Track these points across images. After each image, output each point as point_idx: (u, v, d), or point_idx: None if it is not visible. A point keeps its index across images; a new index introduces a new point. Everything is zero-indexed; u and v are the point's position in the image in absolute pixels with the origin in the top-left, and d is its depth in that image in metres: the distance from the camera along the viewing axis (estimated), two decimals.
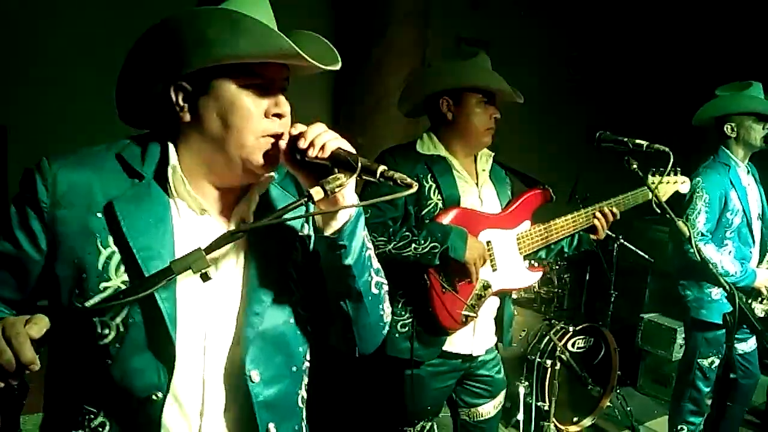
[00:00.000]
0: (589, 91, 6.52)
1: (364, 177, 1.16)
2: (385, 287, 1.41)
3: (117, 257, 1.20)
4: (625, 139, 2.38)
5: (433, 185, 2.37)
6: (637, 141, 2.35)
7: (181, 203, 1.27)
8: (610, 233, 3.94)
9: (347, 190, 1.19)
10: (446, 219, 2.33)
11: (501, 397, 2.69)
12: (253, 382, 1.29)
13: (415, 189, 1.13)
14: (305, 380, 1.46)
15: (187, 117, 1.23)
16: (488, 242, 2.43)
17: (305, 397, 1.47)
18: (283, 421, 1.37)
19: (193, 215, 1.28)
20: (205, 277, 1.10)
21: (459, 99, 2.41)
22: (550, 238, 2.57)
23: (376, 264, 1.36)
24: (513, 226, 2.52)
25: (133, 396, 1.22)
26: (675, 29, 6.66)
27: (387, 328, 1.44)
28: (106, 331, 1.20)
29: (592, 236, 2.68)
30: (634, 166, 2.34)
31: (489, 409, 2.63)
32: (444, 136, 2.47)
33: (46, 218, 1.20)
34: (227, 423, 1.32)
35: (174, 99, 1.23)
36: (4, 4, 3.84)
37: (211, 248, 1.10)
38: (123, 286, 1.19)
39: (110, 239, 1.20)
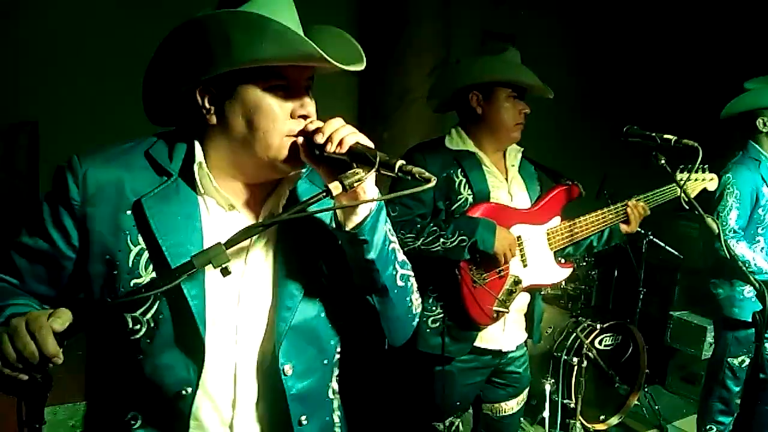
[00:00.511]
0: (616, 86, 6.44)
1: (382, 171, 1.16)
2: (412, 279, 1.40)
3: (146, 254, 1.22)
4: (653, 134, 2.34)
5: (463, 180, 2.36)
6: (666, 136, 2.30)
7: (210, 200, 1.28)
8: (639, 229, 3.90)
9: (367, 185, 1.18)
10: (476, 214, 2.32)
11: (525, 394, 2.67)
12: (286, 376, 1.31)
13: (433, 184, 1.12)
14: (336, 372, 1.48)
15: (214, 119, 1.25)
16: (518, 237, 2.42)
17: (336, 388, 1.49)
18: (314, 413, 1.39)
19: (222, 212, 1.29)
20: (225, 272, 1.10)
21: (489, 94, 2.40)
22: (580, 234, 2.54)
23: (401, 257, 1.36)
24: (543, 222, 2.50)
25: (164, 390, 1.25)
26: (701, 22, 6.54)
27: (417, 319, 1.44)
28: (137, 327, 1.22)
29: (623, 228, 2.66)
30: (662, 161, 2.30)
31: (512, 405, 2.62)
32: (473, 132, 2.47)
33: (78, 215, 1.23)
34: (259, 416, 1.34)
35: (200, 102, 1.24)
36: (36, 2, 3.89)
37: (231, 243, 1.11)
38: (157, 281, 1.21)
39: (139, 236, 1.22)
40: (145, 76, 1.28)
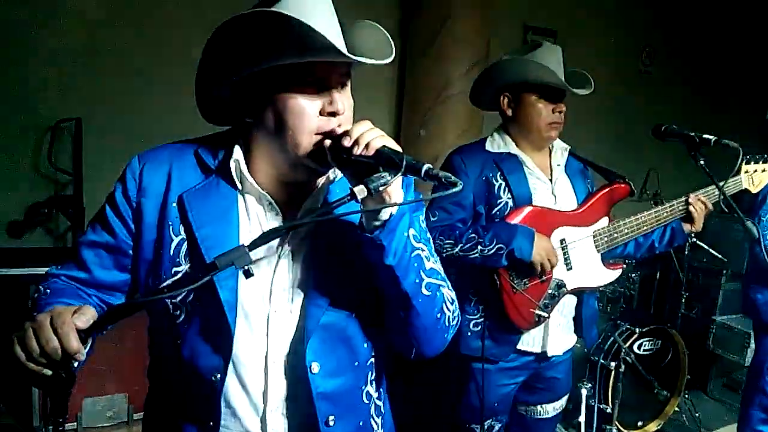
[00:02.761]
0: (662, 84, 6.30)
1: (408, 175, 1.16)
2: (444, 290, 1.37)
3: (185, 245, 1.30)
4: (692, 134, 2.28)
5: (503, 183, 2.33)
6: (705, 136, 2.25)
7: (249, 197, 1.32)
8: None
9: (393, 188, 1.17)
10: (517, 218, 2.28)
11: (563, 401, 2.63)
12: (313, 374, 1.32)
13: (459, 188, 1.10)
14: (372, 376, 1.46)
15: (251, 117, 1.28)
16: (562, 240, 2.37)
17: (372, 392, 1.47)
18: (345, 414, 1.38)
19: (261, 209, 1.33)
20: (247, 274, 1.12)
21: (517, 95, 2.37)
22: (630, 234, 2.47)
23: (429, 265, 1.33)
24: (589, 223, 2.44)
25: (199, 375, 1.31)
26: (751, 22, 6.37)
27: (450, 332, 1.41)
28: (178, 312, 1.30)
29: (687, 227, 2.56)
30: (702, 161, 2.24)
31: (548, 409, 2.59)
32: (511, 133, 2.44)
33: (134, 207, 1.34)
34: (288, 411, 1.35)
35: (238, 99, 1.29)
36: (78, 3, 3.97)
37: (255, 244, 1.12)
38: (190, 272, 1.29)
39: (181, 228, 1.31)
40: (196, 76, 1.33)
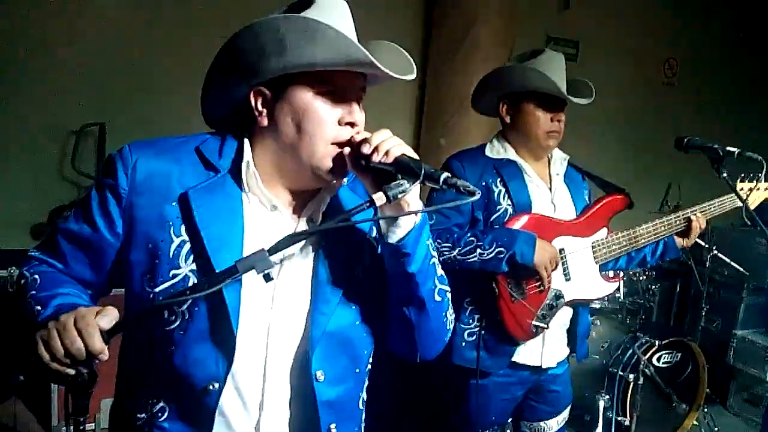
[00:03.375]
0: (685, 96, 6.26)
1: (427, 183, 1.16)
2: (449, 295, 1.39)
3: (188, 246, 1.25)
4: (715, 146, 2.26)
5: (503, 190, 2.29)
6: (728, 148, 2.23)
7: (254, 198, 1.30)
8: (701, 242, 3.76)
9: (411, 197, 1.18)
10: (517, 225, 2.25)
11: (566, 413, 2.59)
12: (317, 382, 1.31)
13: (477, 197, 1.11)
14: (366, 383, 1.48)
15: (265, 121, 1.27)
16: (561, 250, 2.33)
17: (365, 399, 1.48)
18: (344, 422, 1.38)
19: (265, 211, 1.31)
20: (267, 278, 1.12)
21: (516, 102, 2.35)
22: (628, 246, 2.45)
23: (440, 271, 1.35)
24: (588, 234, 2.41)
25: (192, 384, 1.26)
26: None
27: (449, 335, 1.43)
28: (172, 318, 1.24)
29: (679, 242, 2.55)
30: (724, 174, 2.22)
31: (552, 424, 2.54)
32: (511, 140, 2.41)
33: (125, 204, 1.27)
34: (287, 419, 1.34)
35: (253, 103, 1.27)
36: (102, 13, 4.03)
37: (274, 249, 1.12)
38: (191, 275, 1.24)
39: (182, 228, 1.25)
40: (206, 78, 1.32)
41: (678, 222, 2.51)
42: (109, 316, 1.10)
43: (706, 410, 4.21)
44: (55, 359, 1.08)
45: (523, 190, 2.32)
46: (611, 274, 2.53)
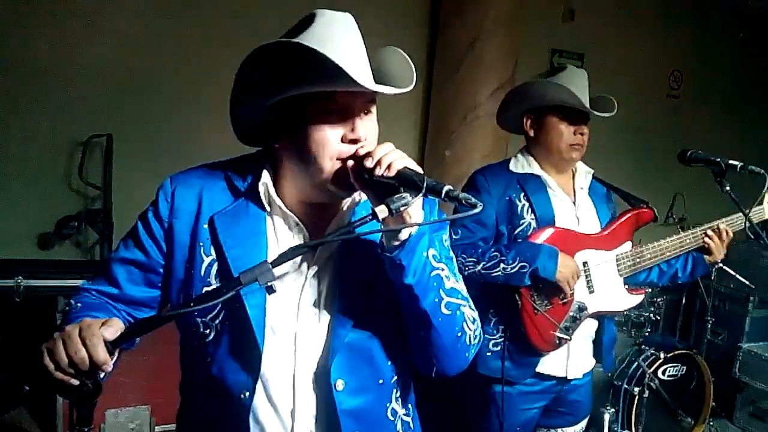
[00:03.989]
0: (690, 108, 6.26)
1: (429, 196, 1.17)
2: (465, 309, 1.39)
3: (216, 265, 1.34)
4: (718, 159, 2.27)
5: (526, 204, 2.33)
6: (731, 162, 2.24)
7: (277, 219, 1.36)
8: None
9: (413, 209, 1.19)
10: (540, 239, 2.28)
11: (584, 424, 2.60)
12: (337, 391, 1.34)
13: (479, 210, 1.12)
14: (397, 393, 1.48)
15: (277, 141, 1.32)
16: (585, 263, 2.36)
17: (398, 409, 1.48)
18: (370, 431, 1.40)
19: (288, 230, 1.36)
20: (270, 290, 1.13)
21: (540, 117, 2.39)
22: (653, 259, 2.47)
23: (449, 284, 1.35)
24: (612, 247, 2.44)
25: (227, 393, 1.33)
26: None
27: (471, 351, 1.42)
28: (207, 331, 1.34)
29: (708, 258, 2.55)
30: (727, 187, 2.23)
31: None
32: (535, 154, 2.45)
33: (165, 227, 1.39)
34: (316, 427, 1.37)
35: (266, 124, 1.33)
36: (113, 23, 4.07)
37: (277, 262, 1.13)
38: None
39: (212, 248, 1.35)
40: (230, 100, 1.36)
41: (703, 235, 2.51)
42: (114, 327, 1.13)
43: (711, 424, 4.19)
44: (59, 368, 1.10)
45: (547, 204, 2.35)
46: (639, 287, 2.54)
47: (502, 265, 2.21)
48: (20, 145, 3.98)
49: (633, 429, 3.68)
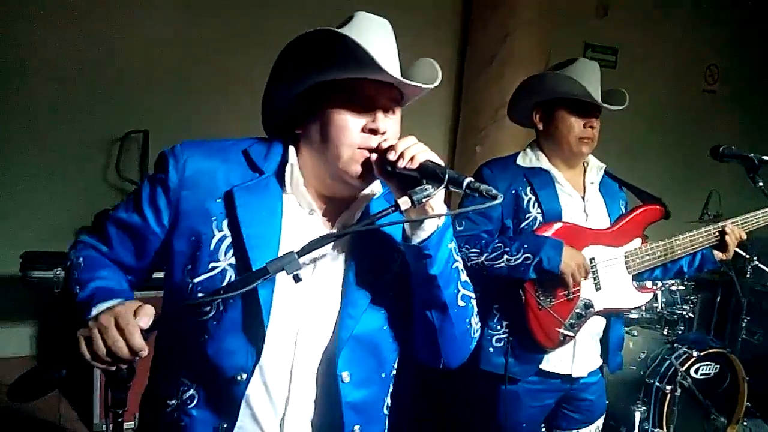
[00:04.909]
0: (726, 103, 6.16)
1: (451, 188, 1.19)
2: (473, 302, 1.41)
3: (228, 241, 1.31)
4: (751, 155, 2.24)
5: (532, 198, 2.30)
6: (764, 157, 2.21)
7: (293, 201, 1.36)
8: (742, 252, 3.69)
9: (435, 201, 1.22)
10: (546, 233, 2.25)
11: (599, 423, 2.55)
12: (343, 383, 1.34)
13: (499, 201, 1.15)
14: (390, 388, 1.50)
15: (301, 129, 1.35)
16: (592, 259, 2.32)
17: (389, 404, 1.51)
18: (368, 425, 1.41)
19: (303, 214, 1.37)
20: (297, 279, 1.16)
21: (549, 109, 2.35)
22: (663, 257, 2.42)
23: (464, 277, 1.37)
24: (621, 243, 2.39)
25: (222, 373, 1.30)
26: None
27: (474, 342, 1.44)
28: (207, 308, 1.30)
29: (717, 255, 2.51)
30: (760, 183, 2.19)
31: None
32: (544, 148, 2.41)
33: (172, 197, 1.34)
34: (312, 418, 1.38)
35: (293, 112, 1.36)
36: (148, 22, 4.16)
37: (303, 251, 1.16)
38: (229, 268, 1.30)
39: (224, 223, 1.31)
40: (266, 85, 1.39)
41: (716, 234, 2.47)
42: (148, 315, 1.15)
43: (746, 424, 4.12)
44: (96, 359, 1.13)
45: (554, 198, 2.32)
46: (649, 284, 2.50)
47: (505, 257, 2.17)
48: (60, 141, 4.11)
49: (664, 428, 3.63)
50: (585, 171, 2.44)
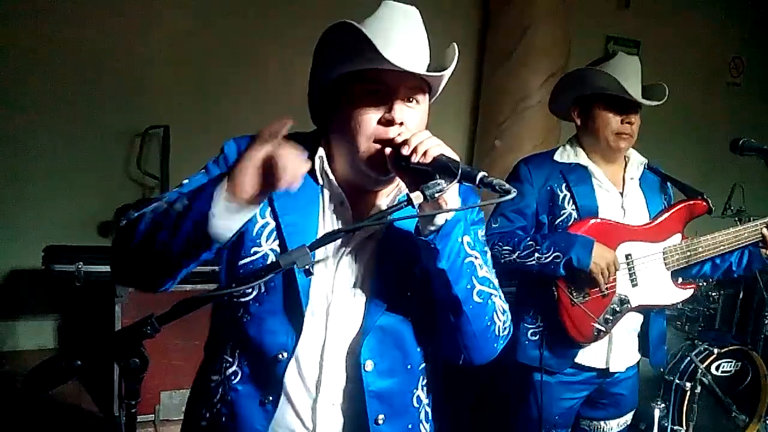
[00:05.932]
0: (750, 96, 6.06)
1: (464, 182, 1.19)
2: (495, 299, 1.39)
3: (270, 227, 1.36)
4: None
5: (567, 194, 2.30)
6: None
7: (327, 193, 1.39)
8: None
9: (448, 195, 1.21)
10: (580, 230, 2.24)
11: (628, 417, 2.56)
12: (366, 371, 1.36)
13: (512, 196, 1.13)
14: (423, 381, 1.50)
15: (329, 121, 1.38)
16: (628, 255, 2.31)
17: (423, 398, 1.50)
18: (394, 415, 1.42)
19: (336, 205, 1.40)
20: (308, 273, 1.20)
21: (587, 105, 2.35)
22: (705, 253, 2.38)
23: (482, 273, 1.36)
24: (660, 239, 2.36)
25: (264, 352, 1.35)
26: None
27: (500, 342, 1.43)
28: (249, 290, 1.35)
29: (764, 252, 2.46)
30: None
31: (612, 425, 2.52)
32: (583, 143, 2.41)
33: None
34: (339, 404, 1.40)
35: (323, 104, 1.39)
36: (169, 17, 4.19)
37: (314, 246, 1.16)
38: (270, 253, 1.35)
39: (267, 211, 1.36)
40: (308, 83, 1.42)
41: (762, 229, 2.41)
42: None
43: (767, 422, 4.08)
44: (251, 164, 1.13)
45: (590, 194, 2.32)
46: (684, 281, 2.47)
47: (536, 254, 2.19)
48: (82, 137, 4.15)
49: (684, 425, 3.60)
50: (626, 166, 2.43)
